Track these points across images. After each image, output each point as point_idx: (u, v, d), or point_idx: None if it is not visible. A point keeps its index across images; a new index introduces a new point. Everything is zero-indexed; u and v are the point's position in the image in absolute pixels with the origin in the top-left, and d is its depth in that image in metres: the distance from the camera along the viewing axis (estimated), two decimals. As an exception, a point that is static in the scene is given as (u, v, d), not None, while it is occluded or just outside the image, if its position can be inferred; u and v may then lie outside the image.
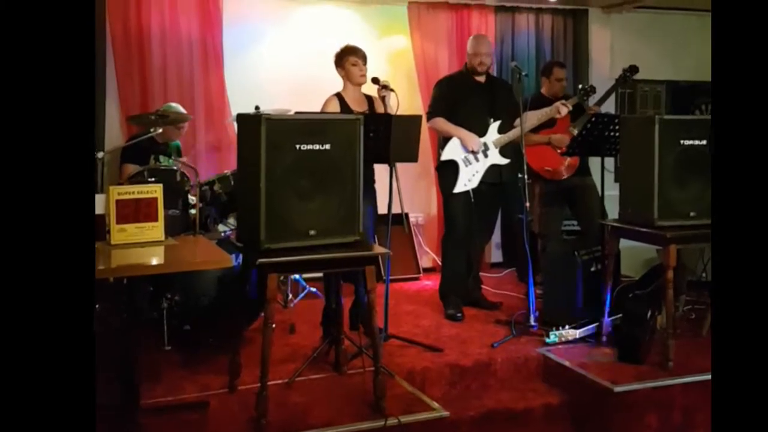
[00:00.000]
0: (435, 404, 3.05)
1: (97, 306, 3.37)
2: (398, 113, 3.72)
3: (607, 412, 3.25)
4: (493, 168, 4.30)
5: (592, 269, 4.09)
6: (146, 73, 4.88)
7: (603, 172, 4.07)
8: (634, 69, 4.48)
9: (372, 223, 3.94)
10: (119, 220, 2.73)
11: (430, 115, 4.38)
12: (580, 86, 4.58)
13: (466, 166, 4.26)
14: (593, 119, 4.00)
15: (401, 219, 5.11)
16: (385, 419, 2.81)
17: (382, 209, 4.05)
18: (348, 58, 3.90)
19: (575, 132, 4.31)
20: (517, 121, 4.18)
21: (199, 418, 2.85)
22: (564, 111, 4.33)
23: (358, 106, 3.92)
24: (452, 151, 4.28)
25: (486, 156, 4.29)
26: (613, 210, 3.94)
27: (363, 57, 3.93)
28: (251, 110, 4.17)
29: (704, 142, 3.44)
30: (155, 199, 2.83)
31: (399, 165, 3.75)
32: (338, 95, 3.95)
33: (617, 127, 3.93)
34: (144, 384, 2.83)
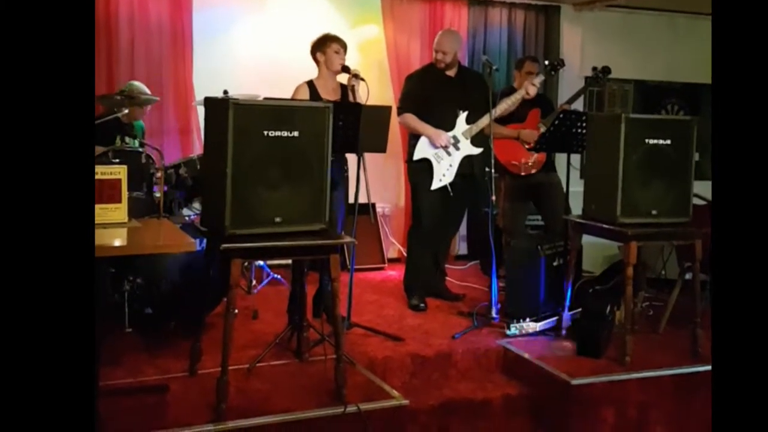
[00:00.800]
0: (395, 393, 3.07)
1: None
2: (368, 103, 3.72)
3: (565, 404, 3.31)
4: (466, 159, 4.33)
5: (555, 264, 4.15)
6: (113, 54, 4.81)
7: (569, 168, 4.13)
8: (606, 70, 4.51)
9: (342, 210, 3.95)
10: (81, 200, 2.67)
11: (400, 110, 4.38)
12: (546, 61, 4.60)
13: (438, 162, 4.28)
14: (561, 116, 4.05)
15: (368, 209, 5.10)
16: (344, 406, 2.83)
17: (350, 198, 4.06)
18: (331, 44, 3.91)
19: (544, 128, 4.36)
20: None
21: (159, 401, 2.83)
22: (532, 90, 4.33)
23: (331, 95, 3.92)
24: (423, 149, 4.29)
25: (458, 149, 4.31)
26: (577, 206, 4.00)
27: (345, 46, 3.96)
28: (219, 95, 4.13)
29: (669, 141, 3.50)
30: (119, 181, 2.79)
31: (367, 155, 3.76)
32: (310, 83, 3.94)
33: (584, 124, 3.98)
34: (103, 366, 2.79)
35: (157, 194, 3.79)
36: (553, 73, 4.51)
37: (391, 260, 5.65)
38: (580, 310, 3.83)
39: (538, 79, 4.40)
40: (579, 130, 4.03)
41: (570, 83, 5.11)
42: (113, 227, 2.72)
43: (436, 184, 4.26)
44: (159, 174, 3.75)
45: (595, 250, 5.06)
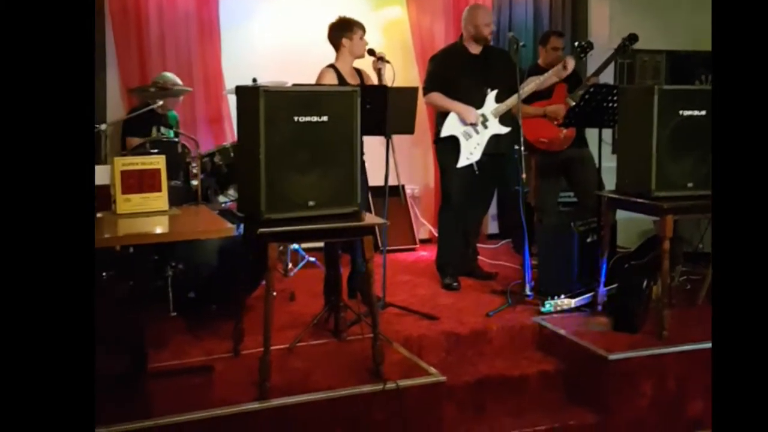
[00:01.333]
0: (432, 369, 3.11)
1: (104, 275, 3.45)
2: (393, 85, 3.75)
3: (602, 379, 3.31)
4: (493, 138, 4.32)
5: (588, 240, 4.14)
6: (144, 46, 4.89)
7: (600, 143, 4.10)
8: (633, 38, 4.46)
9: (364, 195, 3.99)
10: (124, 190, 2.78)
11: (426, 90, 4.37)
12: (576, 43, 4.56)
13: (467, 139, 4.28)
14: (591, 90, 4.01)
15: (397, 191, 5.14)
16: (383, 383, 2.88)
17: (373, 181, 4.10)
18: (357, 31, 3.96)
19: (572, 103, 4.32)
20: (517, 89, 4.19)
21: (205, 381, 2.92)
22: (570, 65, 4.30)
23: (351, 79, 3.97)
24: (451, 126, 4.29)
25: (486, 127, 4.31)
26: (610, 182, 3.98)
27: (365, 32, 3.99)
28: (247, 82, 4.19)
29: (704, 112, 3.43)
30: (158, 170, 2.88)
31: (395, 137, 3.78)
32: (333, 67, 3.97)
33: (615, 98, 3.94)
34: (150, 349, 2.89)
35: (194, 182, 3.89)
36: (582, 56, 4.48)
37: (422, 241, 5.68)
38: (615, 285, 3.82)
39: (569, 59, 4.36)
40: (610, 104, 3.99)
41: (598, 57, 5.02)
42: (155, 215, 2.82)
43: (462, 162, 4.27)
44: (196, 163, 3.84)
45: (630, 226, 5.02)
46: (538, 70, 4.62)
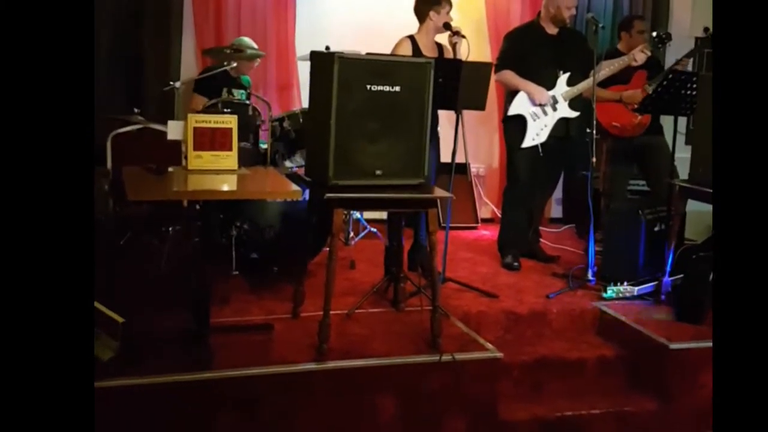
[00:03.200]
0: (489, 345, 3.10)
1: (171, 229, 3.56)
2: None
3: (662, 368, 3.25)
4: (561, 122, 4.24)
5: (656, 229, 4.02)
6: (221, 9, 4.96)
7: (675, 131, 3.97)
8: None
9: (434, 168, 3.97)
10: (196, 147, 2.84)
11: (498, 67, 4.30)
12: (654, 33, 4.41)
13: (534, 120, 4.21)
14: (670, 76, 3.88)
15: (464, 168, 5.11)
16: (440, 355, 2.89)
17: (444, 157, 4.07)
18: (446, 5, 3.92)
19: (650, 90, 4.19)
20: (590, 74, 4.09)
21: (265, 339, 2.99)
22: (641, 57, 4.17)
23: (430, 53, 3.93)
24: (520, 105, 4.22)
25: (555, 110, 4.23)
26: (683, 172, 3.86)
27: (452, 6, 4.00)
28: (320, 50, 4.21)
29: (787, 102, 3.30)
30: (230, 130, 2.93)
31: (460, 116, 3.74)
32: (411, 38, 3.95)
33: (695, 86, 3.80)
34: (213, 305, 2.97)
35: (264, 145, 3.94)
36: (659, 46, 4.32)
37: (485, 220, 5.64)
38: (680, 276, 3.71)
39: (647, 50, 4.23)
40: (689, 92, 3.86)
41: (678, 44, 4.82)
42: (225, 173, 2.88)
43: (527, 143, 4.20)
44: (267, 125, 3.89)
45: (698, 218, 4.85)
46: (617, 55, 4.50)
